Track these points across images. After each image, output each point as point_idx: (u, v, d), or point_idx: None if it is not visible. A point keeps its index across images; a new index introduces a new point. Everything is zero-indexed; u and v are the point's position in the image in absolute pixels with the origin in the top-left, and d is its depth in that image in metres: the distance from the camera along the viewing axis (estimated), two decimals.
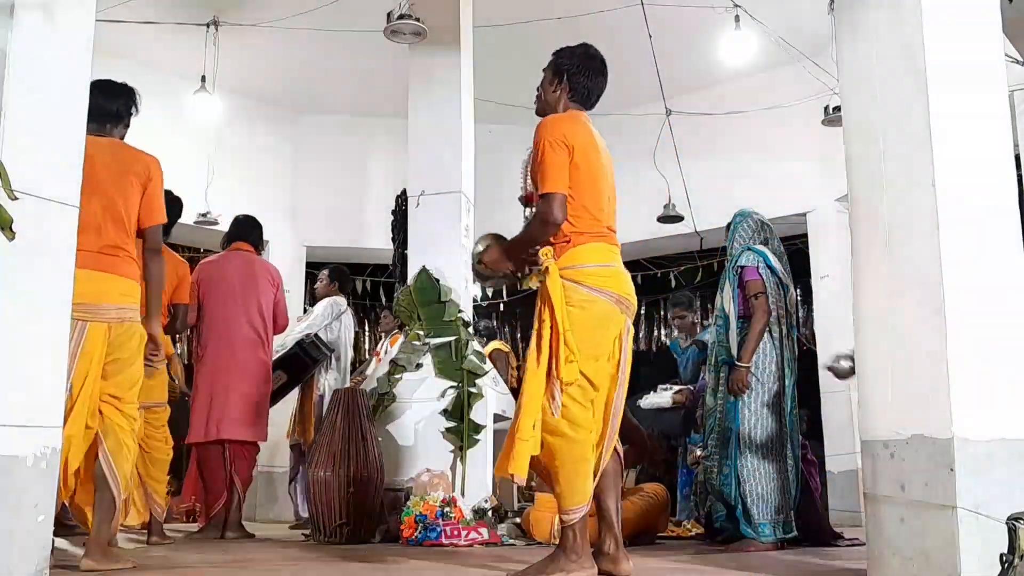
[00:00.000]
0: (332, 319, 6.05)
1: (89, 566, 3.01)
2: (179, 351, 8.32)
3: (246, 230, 5.39)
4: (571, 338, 2.77)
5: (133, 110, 3.55)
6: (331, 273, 6.48)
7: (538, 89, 3.17)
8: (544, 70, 3.16)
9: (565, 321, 2.77)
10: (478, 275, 3.28)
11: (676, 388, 5.62)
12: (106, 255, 3.13)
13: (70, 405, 2.94)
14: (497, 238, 3.21)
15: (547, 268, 2.85)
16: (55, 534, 3.98)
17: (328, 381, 5.81)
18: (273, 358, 5.48)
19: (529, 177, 3.15)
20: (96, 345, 3.06)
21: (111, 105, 3.42)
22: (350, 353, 6.19)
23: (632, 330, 2.98)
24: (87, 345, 3.03)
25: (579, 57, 3.12)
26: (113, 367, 3.14)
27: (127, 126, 3.53)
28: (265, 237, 7.53)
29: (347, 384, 5.98)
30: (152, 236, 3.36)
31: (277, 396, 5.52)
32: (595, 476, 2.87)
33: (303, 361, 5.51)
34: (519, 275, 3.05)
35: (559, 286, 2.82)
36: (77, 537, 4.20)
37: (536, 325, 2.83)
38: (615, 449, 2.97)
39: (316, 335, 5.75)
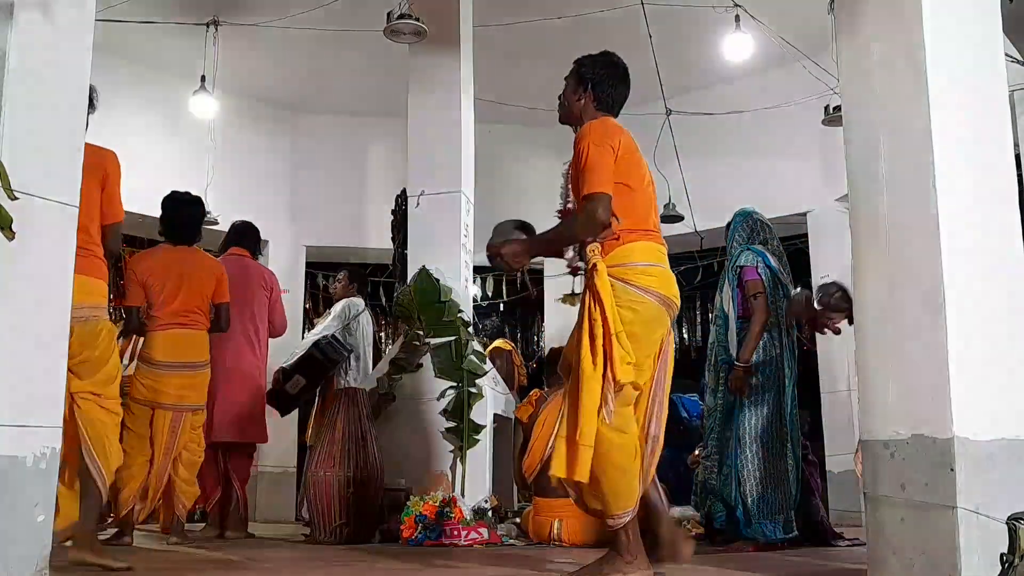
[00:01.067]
0: (350, 320, 6.08)
1: (76, 558, 3.02)
2: None
3: (242, 235, 5.42)
4: (624, 338, 2.73)
5: (92, 103, 3.49)
6: (349, 274, 6.52)
7: (560, 97, 3.17)
8: (566, 78, 3.16)
9: (618, 322, 2.73)
10: (492, 260, 3.15)
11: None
12: None
13: None
14: (524, 227, 3.16)
15: (595, 266, 2.79)
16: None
17: (348, 382, 5.82)
18: (290, 362, 5.53)
19: (571, 188, 3.12)
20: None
21: None
22: (370, 353, 6.20)
23: (673, 332, 2.96)
24: None
25: (602, 65, 3.13)
26: (86, 367, 3.12)
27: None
28: (265, 237, 7.54)
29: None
30: (110, 234, 3.31)
31: (297, 398, 5.54)
32: (643, 479, 2.84)
33: (320, 362, 5.52)
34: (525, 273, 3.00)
35: (608, 285, 2.76)
36: None
37: (586, 325, 2.75)
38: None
39: (333, 336, 5.77)
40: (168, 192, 4.71)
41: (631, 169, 2.91)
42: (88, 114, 3.43)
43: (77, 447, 3.12)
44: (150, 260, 4.52)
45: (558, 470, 2.74)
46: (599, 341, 2.72)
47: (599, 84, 3.09)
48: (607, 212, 2.78)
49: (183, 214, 4.60)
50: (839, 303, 4.40)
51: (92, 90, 3.45)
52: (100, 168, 3.29)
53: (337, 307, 6.19)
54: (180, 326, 4.36)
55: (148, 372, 4.29)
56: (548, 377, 5.06)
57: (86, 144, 3.32)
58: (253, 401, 5.16)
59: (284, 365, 5.57)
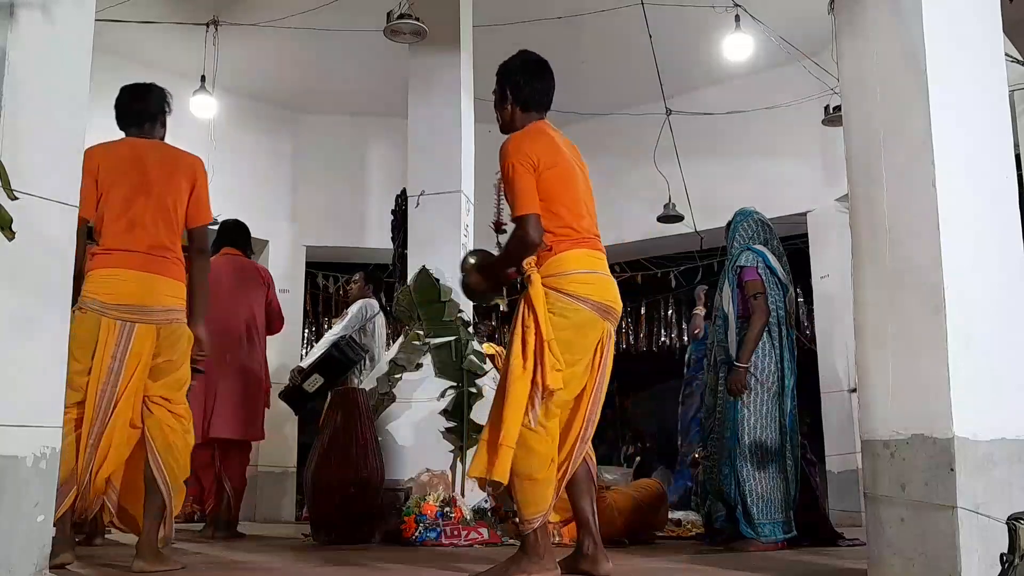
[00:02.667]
0: (366, 320, 6.11)
1: (141, 567, 3.02)
2: None
3: (234, 235, 5.43)
4: (555, 346, 2.78)
5: (167, 108, 3.56)
6: (365, 276, 6.57)
7: (496, 111, 3.18)
8: (492, 92, 3.18)
9: (549, 330, 2.78)
10: (468, 296, 3.32)
11: None
12: (155, 256, 3.13)
13: (114, 403, 3.00)
14: (475, 253, 3.24)
15: (529, 276, 2.86)
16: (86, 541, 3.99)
17: (361, 382, 5.85)
18: (309, 361, 5.59)
19: (505, 200, 3.19)
20: (144, 346, 3.06)
21: (145, 106, 3.45)
22: (384, 354, 6.23)
23: (614, 337, 2.99)
24: (135, 346, 3.04)
25: (516, 67, 3.15)
26: (164, 368, 3.14)
27: (164, 125, 3.56)
28: (265, 237, 7.57)
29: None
30: (199, 236, 3.37)
31: (313, 397, 5.57)
32: (560, 484, 2.88)
33: (339, 362, 5.57)
34: (502, 291, 3.08)
35: (542, 294, 2.83)
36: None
37: (519, 331, 2.82)
38: (586, 452, 2.97)
39: (351, 337, 5.82)
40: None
41: (554, 179, 2.91)
42: (165, 116, 3.51)
43: (143, 453, 3.11)
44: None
45: (477, 470, 2.79)
46: (531, 348, 2.78)
47: (516, 87, 3.10)
48: (537, 231, 2.84)
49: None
50: None
51: (164, 93, 3.59)
52: (191, 173, 3.36)
53: (354, 308, 6.22)
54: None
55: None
56: None
57: (175, 148, 3.42)
58: (252, 398, 5.16)
59: (301, 364, 5.62)
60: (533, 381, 2.77)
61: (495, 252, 3.31)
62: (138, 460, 3.14)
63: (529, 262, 2.89)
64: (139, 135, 3.33)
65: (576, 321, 2.85)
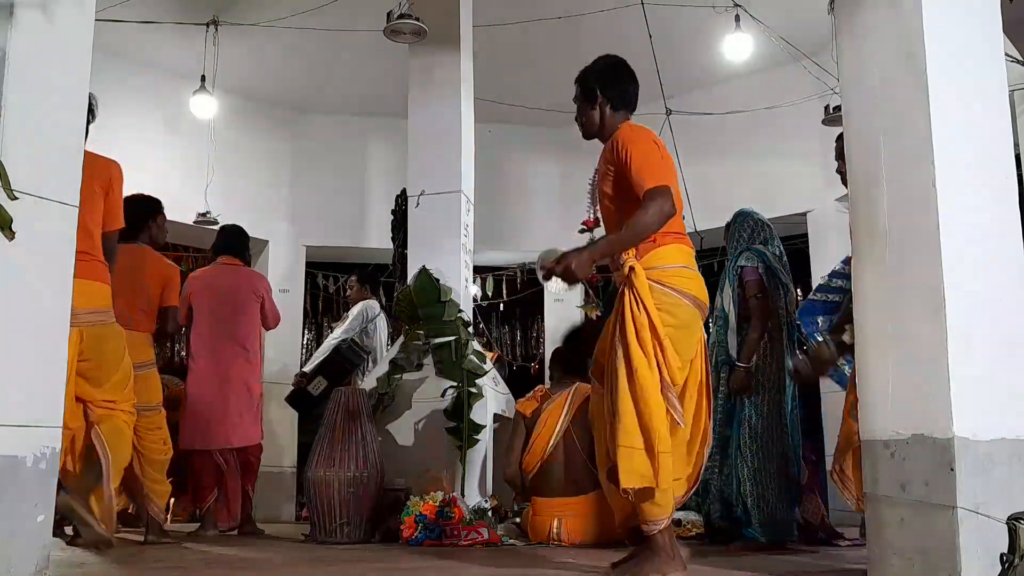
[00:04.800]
0: (367, 323, 6.13)
1: (65, 503, 3.11)
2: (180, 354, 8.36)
3: (232, 241, 5.43)
4: (668, 344, 2.74)
5: (91, 117, 3.57)
6: (360, 278, 6.58)
7: (577, 118, 3.18)
8: (575, 100, 3.17)
9: (660, 326, 2.74)
10: (564, 279, 3.00)
11: None
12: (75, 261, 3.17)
13: None
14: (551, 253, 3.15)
15: (631, 268, 2.79)
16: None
17: (365, 383, 5.87)
18: (312, 365, 5.67)
19: (598, 196, 3.13)
20: (70, 349, 3.07)
21: None
22: (386, 355, 6.26)
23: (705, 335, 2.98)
24: None
25: (603, 69, 3.16)
26: (99, 373, 3.20)
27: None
28: (265, 237, 7.57)
29: None
30: (107, 242, 3.38)
31: (320, 401, 5.59)
32: (691, 487, 2.89)
33: (342, 365, 5.60)
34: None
35: (647, 287, 2.77)
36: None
37: (631, 328, 2.73)
38: None
39: (353, 339, 5.84)
40: (168, 199, 4.73)
41: (666, 172, 2.92)
42: (88, 123, 3.52)
43: (81, 453, 3.16)
44: None
45: (636, 480, 2.69)
46: (649, 345, 2.71)
47: (607, 87, 3.11)
48: (673, 204, 2.79)
49: (128, 212, 4.52)
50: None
51: (91, 98, 3.52)
52: (106, 179, 3.37)
53: (354, 310, 6.24)
54: (122, 327, 4.37)
55: None
56: (553, 374, 5.05)
57: (91, 154, 3.40)
58: (248, 408, 5.23)
59: (304, 369, 5.66)
60: (662, 380, 2.72)
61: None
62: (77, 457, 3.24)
63: (628, 252, 2.83)
64: None
65: (682, 318, 2.82)
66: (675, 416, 2.75)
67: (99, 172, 3.33)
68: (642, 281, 2.77)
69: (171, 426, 4.55)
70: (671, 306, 2.80)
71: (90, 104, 3.55)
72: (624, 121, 3.10)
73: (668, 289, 2.81)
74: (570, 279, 2.84)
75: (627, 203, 2.90)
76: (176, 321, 4.68)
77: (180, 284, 4.73)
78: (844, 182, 3.67)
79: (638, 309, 2.75)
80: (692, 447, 2.91)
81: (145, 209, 4.62)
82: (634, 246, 2.83)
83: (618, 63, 3.19)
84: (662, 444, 2.69)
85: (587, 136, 3.18)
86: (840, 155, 3.71)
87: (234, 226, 5.54)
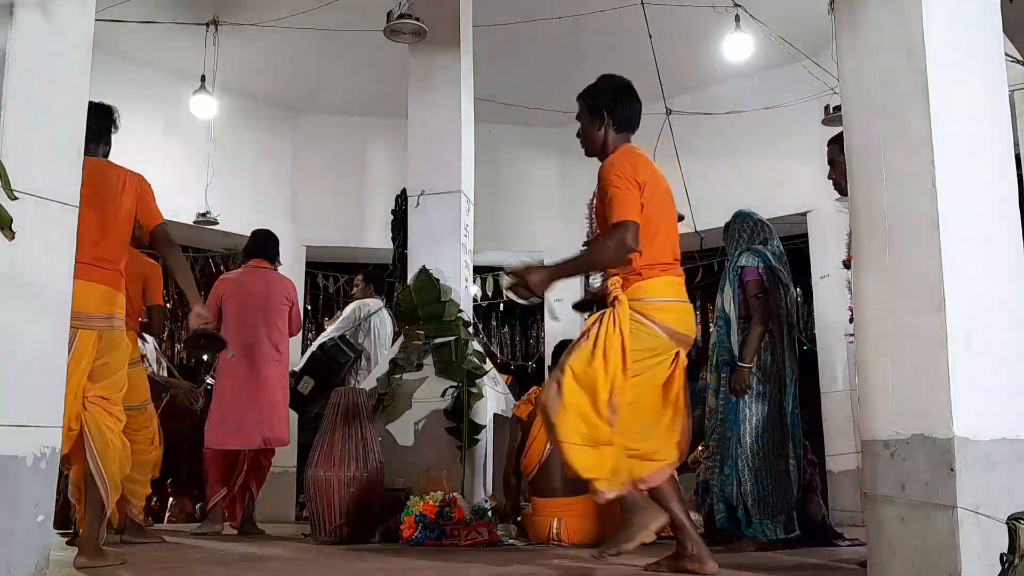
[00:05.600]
0: (361, 320, 6.13)
1: (82, 563, 3.15)
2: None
3: (263, 245, 5.50)
4: (632, 366, 2.94)
5: (113, 128, 3.72)
6: (366, 277, 6.60)
7: (578, 134, 3.26)
8: (578, 117, 3.26)
9: (629, 351, 2.92)
10: (513, 292, 3.24)
11: None
12: (97, 267, 3.27)
13: None
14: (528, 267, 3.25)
15: (615, 298, 2.97)
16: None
17: (359, 382, 5.88)
18: (300, 364, 5.75)
19: (595, 218, 3.25)
20: (86, 351, 3.20)
21: (92, 125, 3.53)
22: (386, 355, 6.27)
23: (685, 362, 3.11)
24: (77, 351, 3.15)
25: (608, 89, 3.23)
26: (103, 371, 3.28)
27: (108, 143, 3.71)
28: None
29: None
30: (157, 234, 3.55)
31: (316, 401, 5.61)
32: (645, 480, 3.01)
33: (327, 364, 5.61)
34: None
35: (628, 318, 2.94)
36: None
37: (602, 344, 2.91)
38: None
39: (340, 338, 5.85)
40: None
41: (654, 203, 3.02)
42: (110, 135, 3.62)
43: (81, 456, 3.22)
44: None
45: (594, 471, 2.92)
46: (612, 362, 2.91)
47: (612, 108, 3.19)
48: (635, 239, 2.93)
49: None
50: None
51: (113, 110, 3.63)
52: (135, 189, 3.51)
53: (347, 309, 6.24)
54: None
55: None
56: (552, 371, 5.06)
57: (117, 167, 3.55)
58: (283, 409, 5.32)
59: (295, 368, 5.70)
60: (611, 391, 2.91)
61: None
62: (80, 459, 3.29)
63: (615, 283, 3.00)
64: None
65: (651, 346, 2.99)
66: (611, 420, 2.94)
67: (129, 184, 3.49)
68: (624, 310, 2.96)
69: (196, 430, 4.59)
70: (645, 336, 2.97)
71: (112, 115, 3.77)
72: (624, 144, 3.17)
73: (647, 321, 2.98)
74: (524, 295, 3.07)
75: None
76: (161, 320, 4.71)
77: (163, 281, 4.73)
78: (837, 188, 3.67)
79: (614, 330, 2.93)
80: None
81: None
82: (587, 272, 3.07)
83: (626, 85, 3.26)
84: (603, 435, 2.91)
85: (588, 154, 3.27)
86: (832, 161, 3.71)
87: (265, 231, 5.59)
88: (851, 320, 3.24)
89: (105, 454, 3.23)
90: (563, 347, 5.13)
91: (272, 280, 5.40)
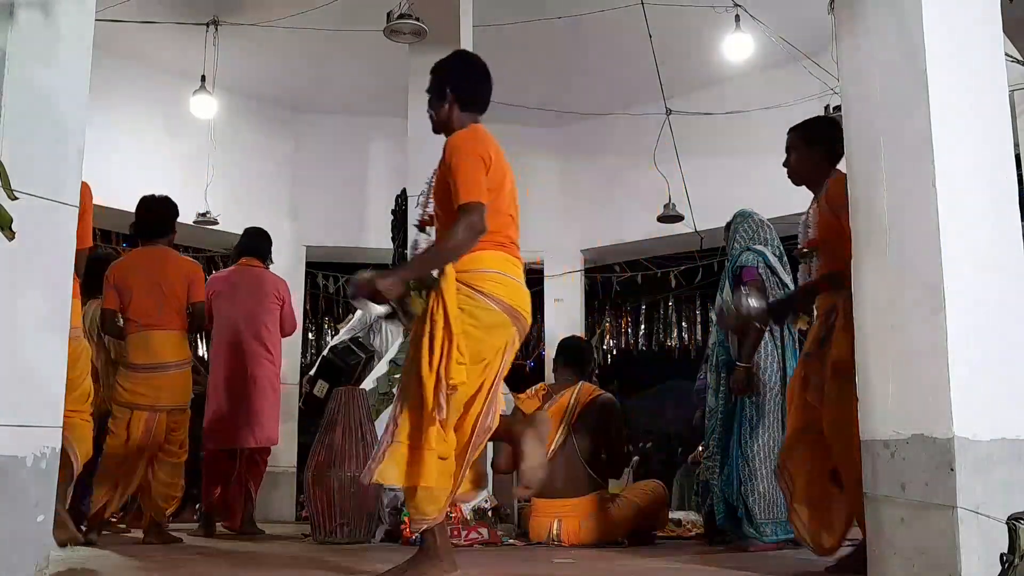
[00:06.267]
0: (372, 322, 6.14)
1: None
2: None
3: (255, 243, 5.48)
4: (462, 342, 2.72)
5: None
6: None
7: (428, 109, 3.14)
8: (427, 91, 3.14)
9: (458, 324, 2.72)
10: (370, 303, 2.99)
11: None
12: None
13: None
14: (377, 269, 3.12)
15: (443, 271, 2.79)
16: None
17: (367, 384, 5.89)
18: (314, 369, 5.76)
19: (432, 198, 3.13)
20: None
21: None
22: (386, 355, 6.27)
23: (517, 345, 2.93)
24: None
25: (458, 66, 3.13)
26: (68, 384, 3.27)
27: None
28: None
29: None
30: (79, 259, 3.54)
31: (324, 404, 5.62)
32: (456, 486, 2.82)
33: (338, 367, 5.62)
34: (404, 301, 2.92)
35: (453, 288, 2.76)
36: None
37: (427, 327, 2.73)
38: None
39: (352, 340, 5.86)
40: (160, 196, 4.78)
41: (494, 183, 2.90)
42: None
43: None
44: (123, 263, 4.62)
45: (395, 478, 2.70)
46: (439, 343, 2.70)
47: (458, 86, 3.07)
48: (483, 220, 2.78)
49: (151, 213, 4.66)
50: (759, 312, 3.90)
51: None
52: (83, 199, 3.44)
53: (358, 311, 6.23)
54: (153, 327, 4.41)
55: (126, 375, 4.42)
56: (556, 368, 5.05)
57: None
58: (272, 409, 5.30)
59: (310, 373, 5.73)
60: (438, 377, 2.70)
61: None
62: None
63: None
64: None
65: (485, 321, 2.80)
66: (437, 414, 2.71)
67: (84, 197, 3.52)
68: (449, 283, 2.76)
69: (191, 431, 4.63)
70: (475, 308, 2.78)
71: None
72: (470, 123, 3.05)
73: (476, 292, 2.80)
74: (380, 300, 2.87)
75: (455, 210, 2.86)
76: (204, 317, 4.71)
77: (204, 280, 4.78)
78: (790, 176, 3.66)
79: (438, 309, 2.74)
80: (457, 447, 2.85)
81: (171, 211, 4.70)
82: (444, 264, 2.81)
83: (475, 63, 3.15)
84: (428, 442, 2.70)
85: (436, 131, 3.14)
86: (789, 149, 3.70)
87: (257, 228, 5.58)
88: None
89: (73, 433, 3.40)
90: (569, 345, 5.14)
91: (263, 279, 5.38)
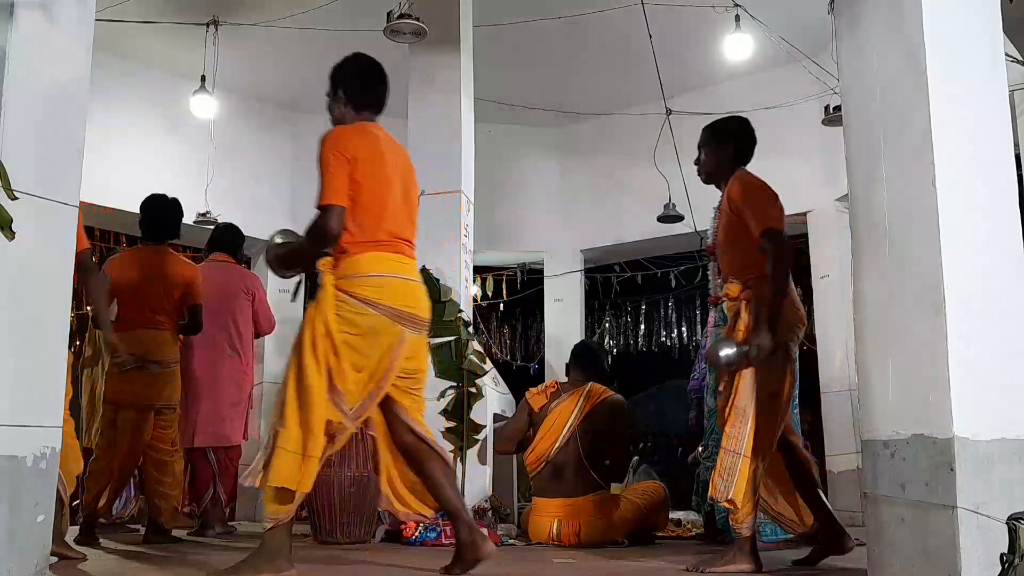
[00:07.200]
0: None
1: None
2: None
3: (225, 238, 5.46)
4: (343, 350, 2.79)
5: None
6: None
7: (328, 109, 3.23)
8: (326, 93, 3.23)
9: (337, 333, 2.79)
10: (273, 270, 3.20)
11: None
12: None
13: None
14: (283, 233, 3.19)
15: (321, 280, 2.85)
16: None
17: None
18: None
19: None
20: None
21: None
22: None
23: (407, 341, 2.95)
24: None
25: (347, 68, 3.20)
26: None
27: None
28: (265, 237, 7.54)
29: None
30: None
31: None
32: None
33: None
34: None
35: (330, 298, 2.82)
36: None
37: (308, 337, 2.79)
38: (439, 448, 3.02)
39: None
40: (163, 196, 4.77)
41: (367, 180, 2.92)
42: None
43: None
44: (121, 259, 4.61)
45: (276, 481, 2.72)
46: (321, 352, 2.77)
47: (346, 87, 3.15)
48: (338, 223, 2.84)
49: (163, 214, 4.67)
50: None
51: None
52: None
53: None
54: (144, 326, 4.40)
55: (112, 372, 4.41)
56: (569, 370, 5.06)
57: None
58: (235, 406, 5.24)
59: None
60: (332, 387, 2.77)
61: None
62: None
63: (324, 263, 2.89)
64: None
65: (363, 326, 2.85)
66: (344, 420, 2.81)
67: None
68: (326, 291, 2.84)
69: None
70: (353, 315, 2.84)
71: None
72: (360, 122, 3.12)
73: (352, 299, 2.85)
74: (275, 270, 3.07)
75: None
76: (201, 321, 4.70)
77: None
78: (700, 175, 3.69)
79: (318, 318, 2.81)
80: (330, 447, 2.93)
81: (180, 213, 4.71)
82: (303, 262, 2.95)
83: (364, 63, 3.21)
84: (315, 449, 2.76)
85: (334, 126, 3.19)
86: (701, 147, 3.73)
87: (228, 224, 5.57)
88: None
89: (69, 468, 3.26)
90: (581, 349, 5.13)
91: (232, 274, 5.35)
